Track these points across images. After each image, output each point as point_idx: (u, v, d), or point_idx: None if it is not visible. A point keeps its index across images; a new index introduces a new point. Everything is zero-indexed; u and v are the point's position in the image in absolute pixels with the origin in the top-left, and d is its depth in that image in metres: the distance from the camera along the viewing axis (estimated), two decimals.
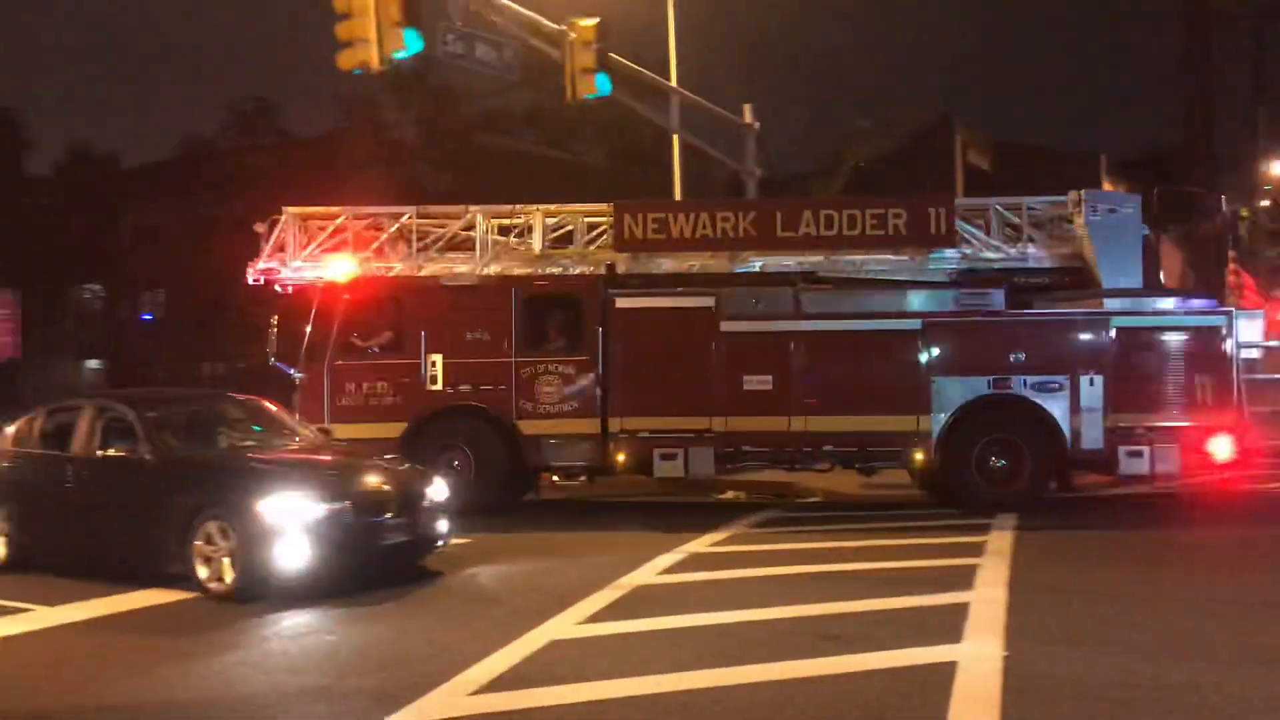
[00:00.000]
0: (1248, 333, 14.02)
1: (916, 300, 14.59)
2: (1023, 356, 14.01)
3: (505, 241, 15.54)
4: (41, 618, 8.99)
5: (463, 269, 15.30)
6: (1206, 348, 13.77)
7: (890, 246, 14.87)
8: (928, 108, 39.35)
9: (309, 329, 14.97)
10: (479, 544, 11.88)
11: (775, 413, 14.23)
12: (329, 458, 11.18)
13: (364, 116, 37.26)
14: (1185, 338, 13.87)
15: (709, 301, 14.60)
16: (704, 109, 20.28)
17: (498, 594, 9.77)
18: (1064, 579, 9.74)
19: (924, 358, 14.10)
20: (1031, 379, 13.95)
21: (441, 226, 15.53)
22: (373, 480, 10.15)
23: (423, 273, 15.35)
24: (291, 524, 9.28)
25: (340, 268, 15.06)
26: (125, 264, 47.70)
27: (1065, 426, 13.90)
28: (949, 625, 7.89)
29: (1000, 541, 11.48)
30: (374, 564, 9.88)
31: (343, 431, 14.17)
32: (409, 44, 14.76)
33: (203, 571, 9.46)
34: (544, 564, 11.00)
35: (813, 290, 14.90)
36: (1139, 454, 13.76)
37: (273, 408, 12.23)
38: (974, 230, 14.90)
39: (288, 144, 41.92)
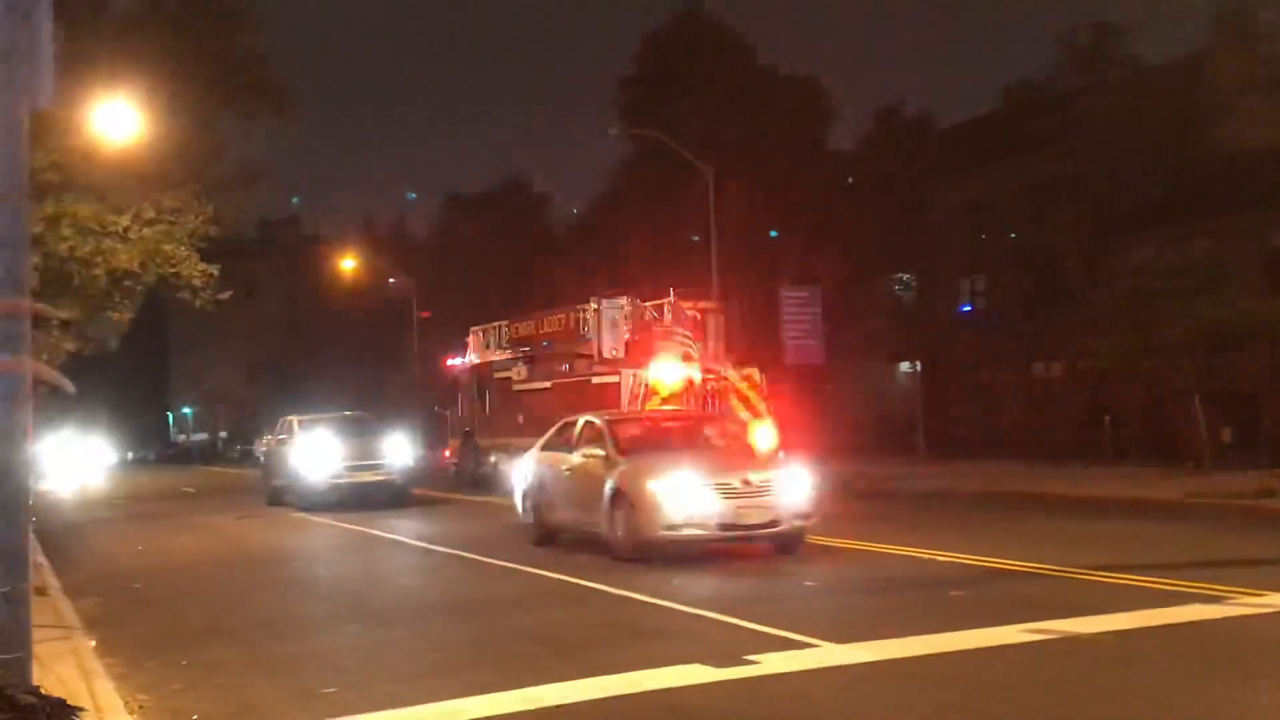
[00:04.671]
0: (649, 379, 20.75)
1: (550, 370, 24.90)
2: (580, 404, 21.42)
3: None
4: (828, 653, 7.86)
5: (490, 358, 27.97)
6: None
7: (568, 337, 23.72)
8: None
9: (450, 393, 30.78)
10: None
11: (526, 435, 21.09)
12: None
13: (1238, 24, 30.65)
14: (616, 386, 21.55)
15: (511, 372, 25.96)
16: None
17: None
18: None
19: (552, 403, 22.95)
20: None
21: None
22: None
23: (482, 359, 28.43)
24: None
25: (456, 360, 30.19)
26: (938, 244, 38.18)
27: None
28: None
29: None
30: None
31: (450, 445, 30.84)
32: None
33: None
34: None
35: (532, 364, 25.39)
36: None
37: None
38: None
39: (1137, 77, 35.39)
